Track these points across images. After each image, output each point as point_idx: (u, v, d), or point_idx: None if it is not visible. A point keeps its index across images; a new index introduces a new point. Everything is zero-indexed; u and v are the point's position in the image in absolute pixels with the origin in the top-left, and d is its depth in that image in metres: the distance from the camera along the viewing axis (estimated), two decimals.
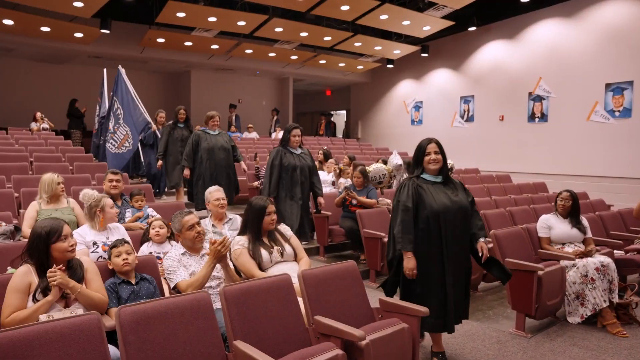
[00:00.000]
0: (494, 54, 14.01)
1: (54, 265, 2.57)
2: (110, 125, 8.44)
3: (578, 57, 11.84)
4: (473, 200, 3.50)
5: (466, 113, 14.81)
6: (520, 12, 12.96)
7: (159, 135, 8.33)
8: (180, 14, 10.97)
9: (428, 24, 12.42)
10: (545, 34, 12.59)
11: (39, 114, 11.83)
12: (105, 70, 10.09)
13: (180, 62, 15.15)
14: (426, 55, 15.25)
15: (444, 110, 15.48)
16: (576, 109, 11.80)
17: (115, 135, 8.32)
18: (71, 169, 7.69)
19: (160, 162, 7.68)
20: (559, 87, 12.20)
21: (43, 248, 2.62)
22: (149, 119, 8.40)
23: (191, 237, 3.30)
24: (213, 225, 4.20)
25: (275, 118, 16.09)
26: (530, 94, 12.86)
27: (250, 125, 14.72)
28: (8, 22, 10.77)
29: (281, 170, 5.80)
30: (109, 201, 3.82)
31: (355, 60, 15.63)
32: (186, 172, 6.78)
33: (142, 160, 8.72)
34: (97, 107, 10.28)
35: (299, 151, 5.94)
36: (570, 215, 4.95)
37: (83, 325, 2.13)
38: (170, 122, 7.95)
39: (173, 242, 3.97)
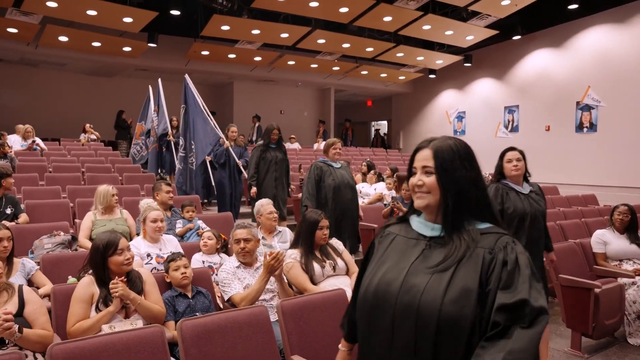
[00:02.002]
0: (539, 62, 13.72)
1: (116, 277, 2.64)
2: (181, 140, 7.87)
3: (630, 64, 11.45)
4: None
5: (510, 123, 14.54)
6: (568, 20, 12.66)
7: (232, 153, 7.58)
8: (225, 27, 11.20)
9: (471, 34, 12.30)
10: (595, 41, 12.25)
11: (87, 126, 12.24)
12: (160, 80, 9.44)
13: (224, 74, 15.43)
14: (469, 64, 15.08)
15: (488, 120, 15.23)
16: (628, 118, 11.40)
17: (183, 150, 7.78)
18: (120, 179, 7.88)
19: (254, 189, 6.70)
20: (609, 96, 11.83)
21: (100, 261, 2.70)
22: (221, 134, 7.56)
23: (236, 250, 3.35)
24: (263, 238, 4.23)
25: (256, 125, 14.93)
26: (578, 103, 12.52)
27: (292, 136, 14.82)
28: (63, 38, 11.25)
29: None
30: (152, 214, 3.87)
31: (397, 70, 15.58)
32: None
33: (213, 181, 7.85)
34: (151, 120, 9.59)
35: (526, 189, 3.68)
36: (628, 230, 4.77)
37: (147, 337, 2.18)
38: (261, 142, 7.00)
39: (223, 255, 4.03)
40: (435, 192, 1.43)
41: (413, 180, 1.49)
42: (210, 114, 7.64)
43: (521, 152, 3.69)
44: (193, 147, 7.55)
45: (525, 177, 3.74)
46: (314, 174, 5.28)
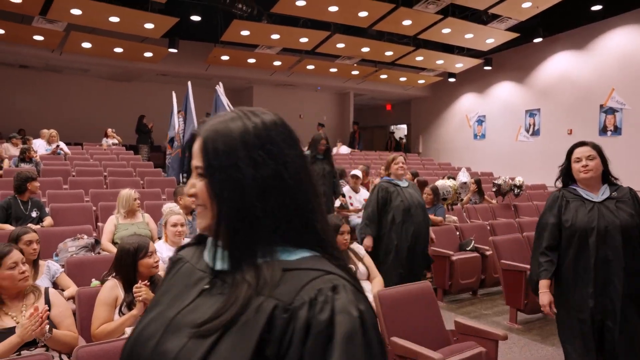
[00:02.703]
0: (561, 65, 13.55)
1: (140, 281, 2.67)
2: None
3: None
4: None
5: (532, 127, 14.37)
6: (591, 21, 12.49)
7: None
8: (245, 32, 11.29)
9: (491, 37, 12.20)
10: (619, 42, 12.05)
11: (109, 130, 12.41)
12: (189, 83, 8.93)
13: (243, 78, 15.54)
14: (489, 68, 14.95)
15: (508, 124, 15.08)
16: None
17: None
18: (142, 183, 7.97)
19: None
20: (634, 98, 11.61)
21: (131, 263, 2.73)
22: None
23: None
24: None
25: None
26: (601, 106, 12.32)
27: None
28: (86, 45, 11.47)
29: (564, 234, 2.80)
30: (172, 218, 3.91)
31: (416, 74, 15.54)
32: (368, 242, 4.43)
33: None
34: (178, 126, 9.22)
35: (602, 196, 2.79)
36: None
37: None
38: (307, 153, 6.13)
39: None
40: (209, 204, 0.90)
41: (186, 187, 0.96)
42: None
43: (596, 147, 2.80)
44: None
45: (608, 179, 2.85)
46: (378, 196, 4.49)
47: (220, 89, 7.51)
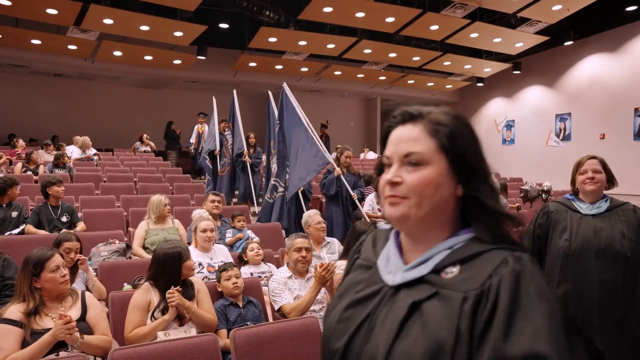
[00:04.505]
0: (593, 68, 13.26)
1: (172, 287, 2.72)
2: (274, 166, 6.74)
3: None
4: None
5: (562, 132, 14.10)
6: (624, 23, 12.20)
7: (345, 183, 5.99)
8: (272, 39, 11.37)
9: (520, 40, 12.03)
10: None
11: (145, 136, 12.59)
12: (235, 91, 8.58)
13: (271, 84, 15.61)
14: (518, 72, 14.74)
15: (538, 129, 14.82)
16: None
17: (275, 178, 6.63)
18: (171, 189, 8.07)
19: None
20: None
21: (177, 267, 2.80)
22: (331, 159, 6.01)
23: (294, 258, 3.38)
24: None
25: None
26: (636, 109, 12.02)
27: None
28: (117, 53, 11.73)
29: None
30: (202, 224, 3.97)
31: (444, 79, 15.42)
32: None
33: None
34: (212, 138, 8.80)
35: None
36: None
37: (202, 345, 2.23)
38: None
39: (269, 264, 4.08)
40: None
41: None
42: (315, 132, 6.23)
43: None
44: (287, 175, 6.35)
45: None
46: (535, 226, 2.78)
47: (287, 88, 6.70)
